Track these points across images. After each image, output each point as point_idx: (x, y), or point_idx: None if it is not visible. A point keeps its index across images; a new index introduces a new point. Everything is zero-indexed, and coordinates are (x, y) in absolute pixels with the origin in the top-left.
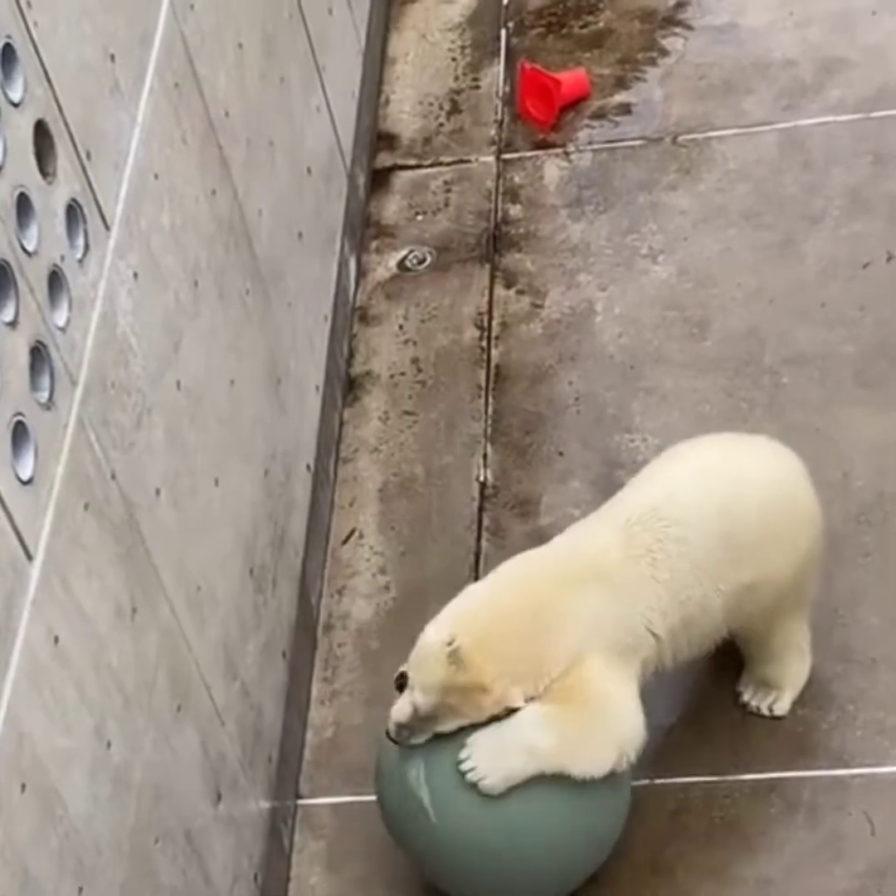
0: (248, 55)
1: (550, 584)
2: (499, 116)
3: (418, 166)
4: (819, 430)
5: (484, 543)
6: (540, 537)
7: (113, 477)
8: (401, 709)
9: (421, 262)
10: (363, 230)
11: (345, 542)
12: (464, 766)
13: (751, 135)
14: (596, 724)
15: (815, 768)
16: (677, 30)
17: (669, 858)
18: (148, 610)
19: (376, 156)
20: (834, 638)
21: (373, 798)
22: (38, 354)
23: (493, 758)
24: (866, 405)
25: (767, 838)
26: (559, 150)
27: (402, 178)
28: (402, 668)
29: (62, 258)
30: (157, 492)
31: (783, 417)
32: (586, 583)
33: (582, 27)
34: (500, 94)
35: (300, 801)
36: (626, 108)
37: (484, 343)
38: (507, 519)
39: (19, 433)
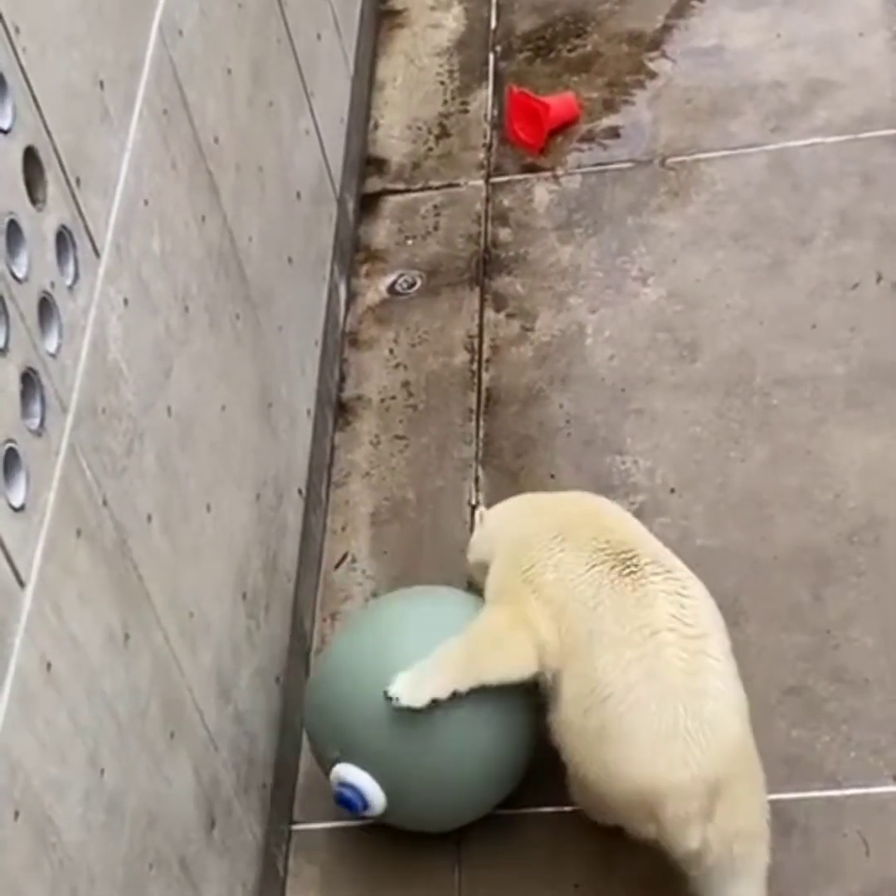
0: (237, 81)
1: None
2: (487, 140)
3: (407, 190)
4: (810, 452)
5: None
6: None
7: (105, 503)
8: None
9: (411, 286)
10: (353, 254)
11: (337, 566)
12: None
13: (739, 156)
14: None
15: (809, 789)
16: (665, 52)
17: (664, 879)
18: (140, 636)
19: (365, 180)
20: (827, 659)
21: (366, 822)
22: (29, 381)
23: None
24: (857, 426)
25: None
26: (548, 174)
27: (391, 203)
28: None
29: (52, 285)
30: (149, 518)
31: (774, 439)
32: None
33: (570, 51)
34: (489, 117)
35: (294, 827)
36: (614, 131)
37: (474, 366)
38: None
39: (11, 460)
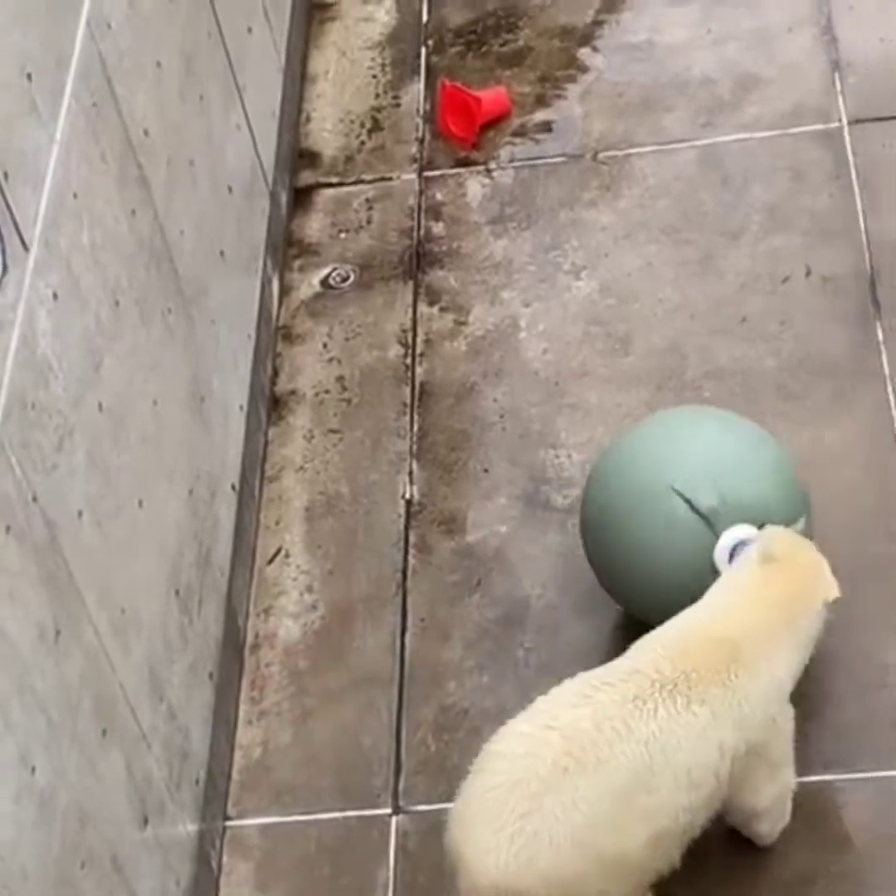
0: (167, 74)
1: None
2: (420, 134)
3: (340, 184)
4: None
5: (411, 560)
6: (466, 553)
7: (34, 499)
8: None
9: (344, 279)
10: (286, 248)
11: (271, 561)
12: None
13: (670, 151)
14: None
15: None
16: (596, 47)
17: None
18: (71, 633)
19: (298, 174)
20: None
21: (301, 817)
22: None
23: None
24: (788, 418)
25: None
26: (481, 168)
27: (324, 196)
28: None
29: None
30: (80, 514)
31: None
32: None
33: (501, 45)
34: (421, 111)
35: (228, 823)
36: (546, 126)
37: (408, 360)
38: (433, 536)
39: None
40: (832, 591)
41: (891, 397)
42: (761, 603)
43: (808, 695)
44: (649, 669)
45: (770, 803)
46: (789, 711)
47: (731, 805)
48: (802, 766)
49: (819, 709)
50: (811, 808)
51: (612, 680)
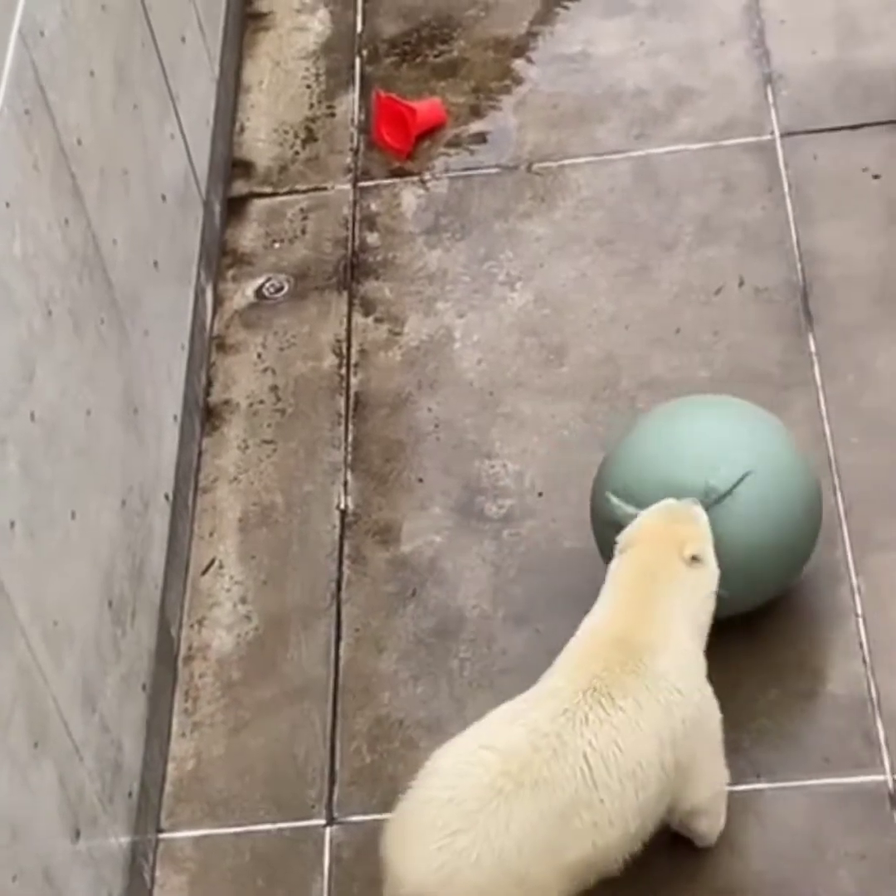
0: (101, 83)
1: None
2: (354, 144)
3: (274, 194)
4: None
5: (345, 571)
6: (401, 564)
7: None
8: None
9: (278, 290)
10: (220, 258)
11: (205, 572)
12: None
13: (604, 163)
14: None
15: None
16: (530, 58)
17: None
18: (3, 645)
19: (232, 184)
20: None
21: (235, 829)
22: None
23: None
24: None
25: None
26: (415, 178)
27: (258, 206)
28: None
29: None
30: (12, 524)
31: None
32: None
33: (436, 56)
34: (356, 122)
35: (161, 835)
36: (481, 137)
37: (343, 371)
38: (368, 546)
39: None
40: (688, 548)
41: (822, 407)
42: (627, 587)
43: (740, 704)
44: (567, 681)
45: (709, 797)
46: (709, 690)
47: (674, 801)
48: (735, 775)
49: (751, 718)
50: (744, 816)
51: (540, 697)
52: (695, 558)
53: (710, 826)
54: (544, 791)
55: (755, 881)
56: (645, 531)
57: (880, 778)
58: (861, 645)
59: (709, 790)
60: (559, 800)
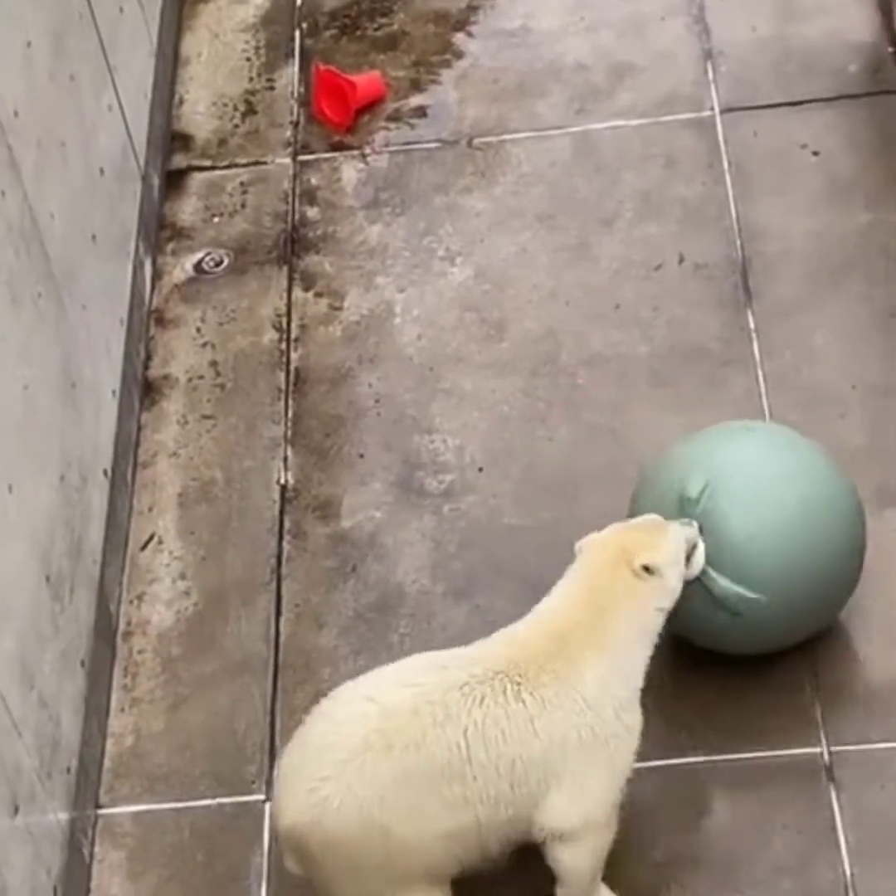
0: (37, 54)
1: None
2: (294, 118)
3: (213, 167)
4: (614, 431)
5: (285, 546)
6: (341, 539)
7: None
8: None
9: (218, 264)
10: (158, 232)
11: (144, 547)
12: None
13: (544, 138)
14: None
15: None
16: (471, 32)
17: None
18: None
19: (171, 157)
20: None
21: (174, 805)
22: None
23: None
24: (660, 405)
25: None
26: (356, 152)
27: (197, 180)
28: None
29: None
30: None
31: (579, 417)
32: None
33: (376, 29)
34: (296, 95)
35: (100, 811)
36: (421, 111)
37: (283, 345)
38: (308, 521)
39: None
40: (639, 558)
41: (761, 383)
42: (581, 587)
43: (679, 679)
44: (485, 657)
45: (578, 826)
46: (632, 718)
47: (539, 812)
48: (676, 749)
49: (690, 691)
50: (682, 789)
51: (448, 664)
52: (646, 568)
53: (572, 859)
54: (414, 754)
55: (694, 851)
56: (606, 536)
57: (816, 750)
58: None
59: (579, 818)
60: (429, 766)
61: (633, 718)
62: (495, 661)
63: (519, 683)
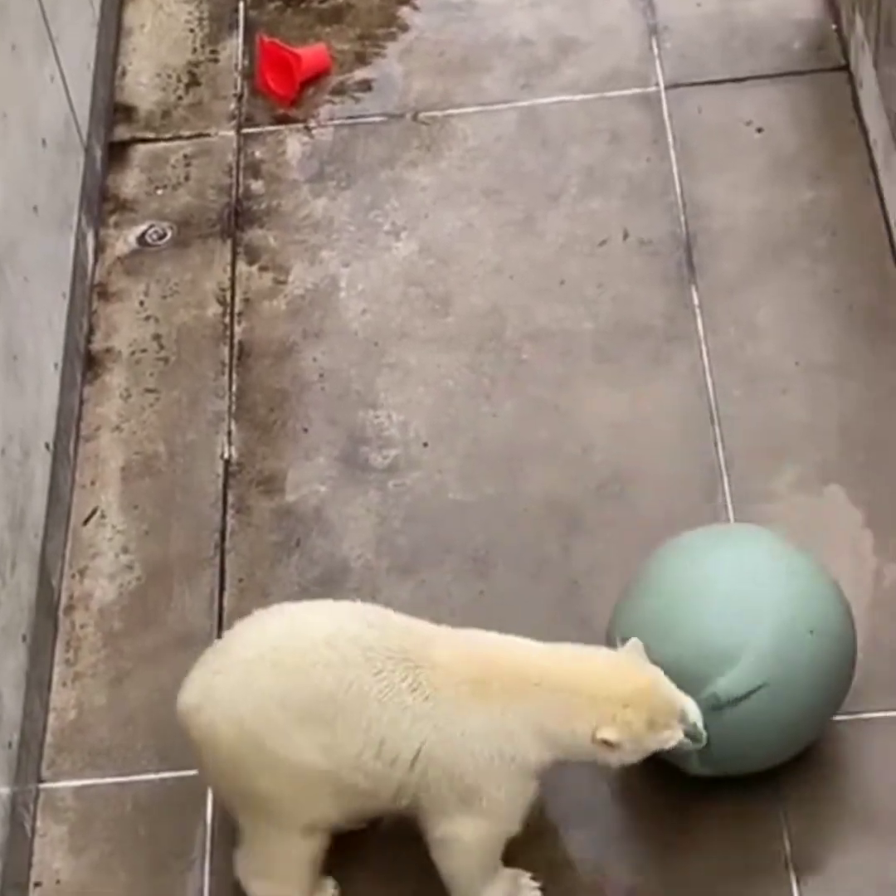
0: None
1: None
2: (239, 90)
3: (157, 139)
4: (559, 407)
5: (229, 520)
6: (286, 513)
7: None
8: None
9: (161, 237)
10: (101, 204)
11: (86, 521)
12: None
13: (490, 112)
14: None
15: None
16: (416, 5)
17: None
18: None
19: (114, 128)
20: (574, 608)
21: (117, 779)
22: None
23: None
24: (605, 381)
25: None
26: (300, 125)
27: (140, 152)
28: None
29: None
30: None
31: (524, 393)
32: None
33: (321, 2)
34: (240, 67)
35: (42, 786)
36: (366, 84)
37: (227, 319)
38: (252, 496)
39: None
40: (604, 731)
41: (705, 359)
42: (556, 654)
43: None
44: (414, 646)
45: (451, 839)
46: (515, 788)
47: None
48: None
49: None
50: None
51: (376, 625)
52: (606, 743)
53: (445, 864)
54: (297, 682)
55: (635, 822)
56: (642, 668)
57: None
58: None
59: (445, 835)
60: (304, 699)
61: (511, 788)
62: (418, 654)
63: (422, 684)
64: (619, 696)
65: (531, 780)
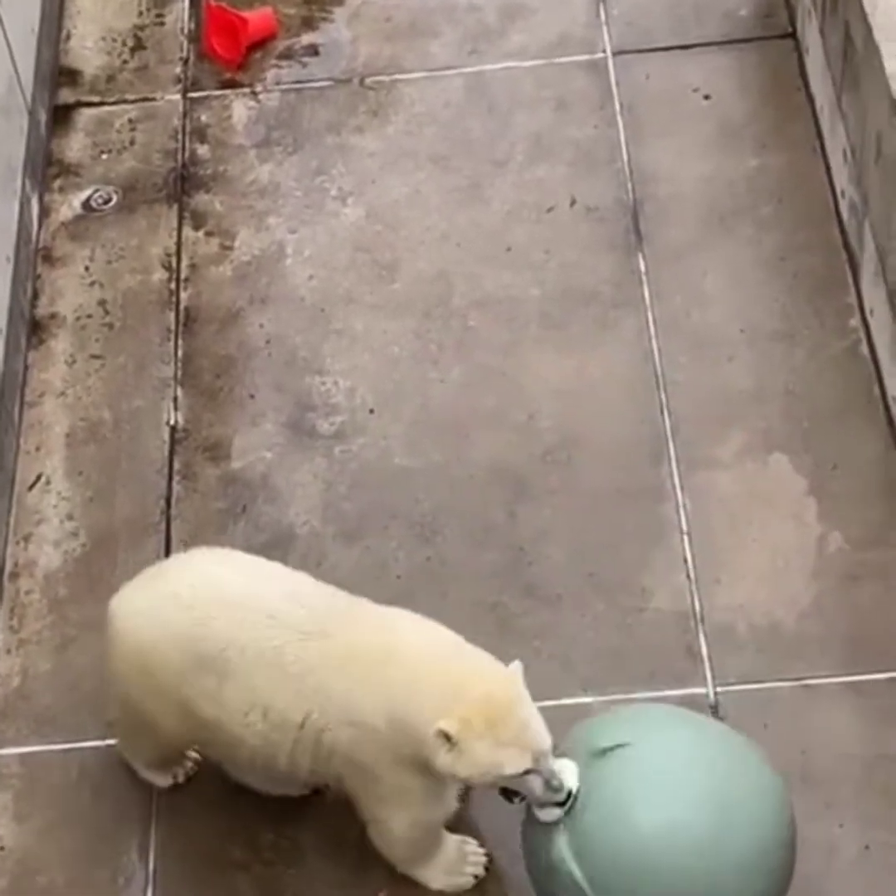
0: None
1: None
2: (184, 54)
3: (102, 103)
4: (505, 373)
5: (175, 487)
6: (232, 480)
7: None
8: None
9: (107, 201)
10: (45, 169)
11: (31, 487)
12: None
13: (437, 78)
14: None
15: None
16: None
17: None
18: None
19: (58, 92)
20: (520, 575)
21: (62, 746)
22: None
23: None
24: (551, 347)
25: None
26: (247, 90)
27: (85, 116)
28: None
29: None
30: None
31: (471, 359)
32: None
33: None
34: (186, 31)
35: None
36: (313, 49)
37: (173, 285)
38: (198, 462)
39: None
40: (444, 722)
41: (651, 326)
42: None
43: (567, 619)
44: (322, 612)
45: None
46: (403, 781)
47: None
48: (563, 689)
49: (578, 632)
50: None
51: (296, 593)
52: (444, 735)
53: (377, 839)
54: (195, 627)
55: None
56: (500, 670)
57: (702, 690)
58: (686, 561)
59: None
60: (199, 646)
61: (406, 776)
62: (321, 628)
63: (312, 657)
64: (470, 695)
65: (419, 773)
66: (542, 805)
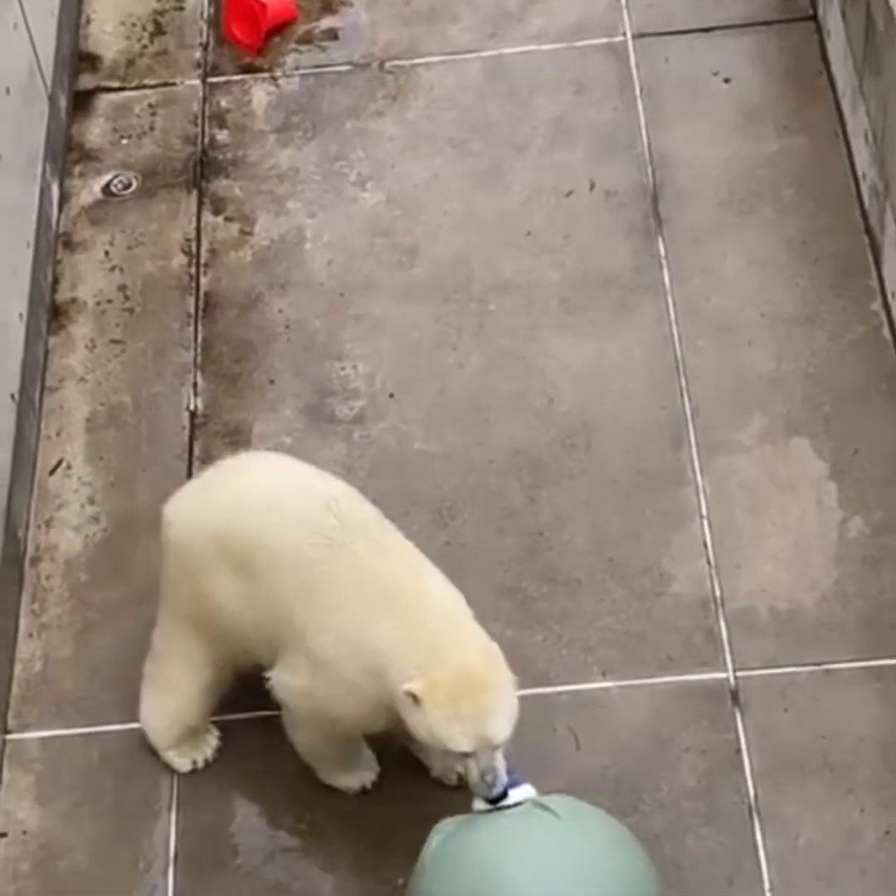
0: None
1: None
2: (204, 39)
3: (122, 88)
4: (524, 357)
5: (195, 472)
6: None
7: None
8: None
9: (126, 187)
10: (66, 154)
11: (52, 472)
12: None
13: (456, 62)
14: None
15: (521, 687)
16: None
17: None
18: None
19: (78, 77)
20: (539, 560)
21: (84, 730)
22: None
23: None
24: (570, 332)
25: None
26: (266, 75)
27: (105, 101)
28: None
29: None
30: None
31: (491, 344)
32: None
33: None
34: (205, 15)
35: (9, 736)
36: (332, 34)
37: (192, 270)
38: (218, 447)
39: None
40: (415, 684)
41: (671, 310)
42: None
43: (586, 603)
44: (356, 532)
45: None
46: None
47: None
48: (582, 674)
49: (597, 617)
50: (589, 712)
51: (340, 512)
52: (412, 696)
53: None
54: (240, 533)
55: (599, 776)
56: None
57: (722, 675)
58: (705, 545)
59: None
60: (240, 549)
61: (360, 690)
62: (366, 552)
63: (347, 570)
64: (450, 663)
65: (372, 707)
66: (475, 794)
